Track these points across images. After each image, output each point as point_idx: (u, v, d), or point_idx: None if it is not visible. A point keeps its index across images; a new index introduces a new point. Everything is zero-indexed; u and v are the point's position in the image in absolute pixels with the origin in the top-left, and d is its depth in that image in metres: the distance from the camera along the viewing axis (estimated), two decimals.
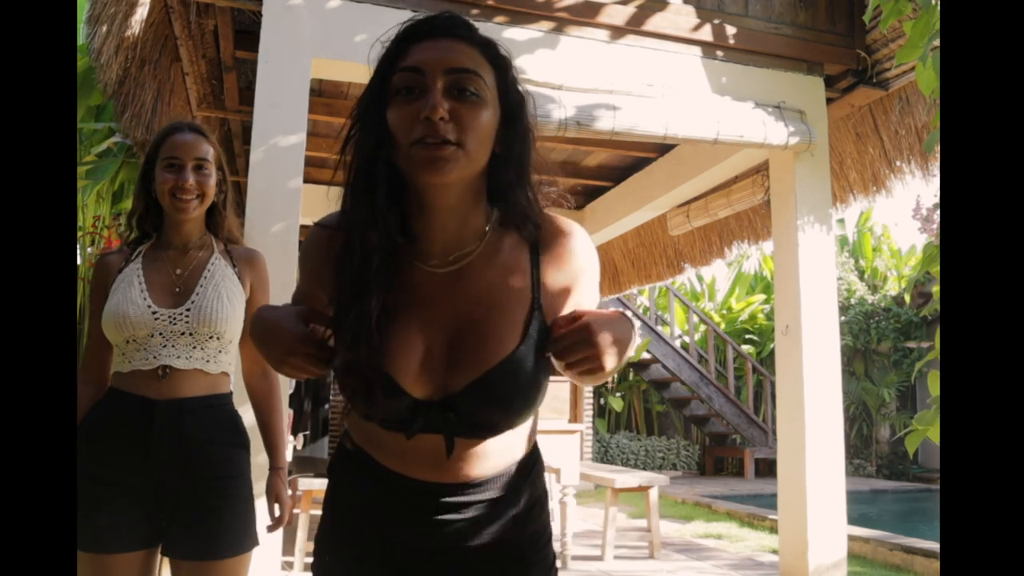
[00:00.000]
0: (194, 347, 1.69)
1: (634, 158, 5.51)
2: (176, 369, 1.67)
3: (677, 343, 11.47)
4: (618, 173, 5.82)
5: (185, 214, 1.75)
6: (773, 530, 5.95)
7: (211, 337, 1.71)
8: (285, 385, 3.25)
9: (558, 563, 1.16)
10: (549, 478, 4.69)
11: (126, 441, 1.63)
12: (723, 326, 12.51)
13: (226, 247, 1.85)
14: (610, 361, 0.93)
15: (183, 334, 1.69)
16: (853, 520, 4.67)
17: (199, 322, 1.69)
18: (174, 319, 1.69)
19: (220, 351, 1.74)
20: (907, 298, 8.71)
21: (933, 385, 1.70)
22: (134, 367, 1.67)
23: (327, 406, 8.78)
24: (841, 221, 12.69)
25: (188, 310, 1.70)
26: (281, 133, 3.20)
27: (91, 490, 1.61)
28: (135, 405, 1.65)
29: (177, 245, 1.78)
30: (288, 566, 4.18)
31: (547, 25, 3.62)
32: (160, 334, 1.67)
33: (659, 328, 11.42)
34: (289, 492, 1.85)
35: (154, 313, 1.68)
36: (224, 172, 1.85)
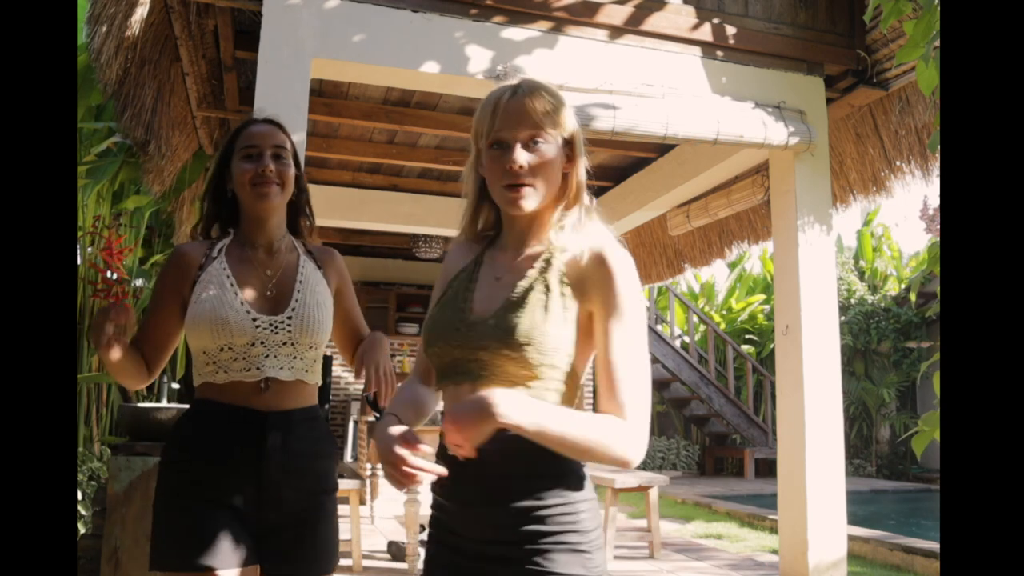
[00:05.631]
0: (295, 357, 1.59)
1: (634, 158, 5.51)
2: (279, 381, 1.57)
3: (677, 343, 11.47)
4: (618, 173, 5.82)
5: (266, 201, 1.63)
6: (773, 530, 5.95)
7: (311, 347, 1.62)
8: None
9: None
10: None
11: (239, 459, 1.54)
12: (723, 326, 12.51)
13: (307, 248, 1.76)
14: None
15: (285, 344, 1.58)
16: (853, 520, 4.67)
17: (302, 332, 1.60)
18: (276, 327, 1.58)
19: (315, 360, 1.65)
20: (912, 297, 8.75)
21: (938, 385, 1.70)
22: (231, 378, 1.56)
23: (327, 406, 8.78)
24: (866, 226, 12.47)
25: (290, 319, 1.60)
26: None
27: (199, 510, 1.52)
28: (243, 418, 1.55)
29: (262, 244, 1.68)
30: None
31: (546, 25, 3.62)
32: (262, 343, 1.56)
33: (659, 328, 11.42)
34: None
35: (254, 320, 1.57)
36: (302, 170, 1.77)
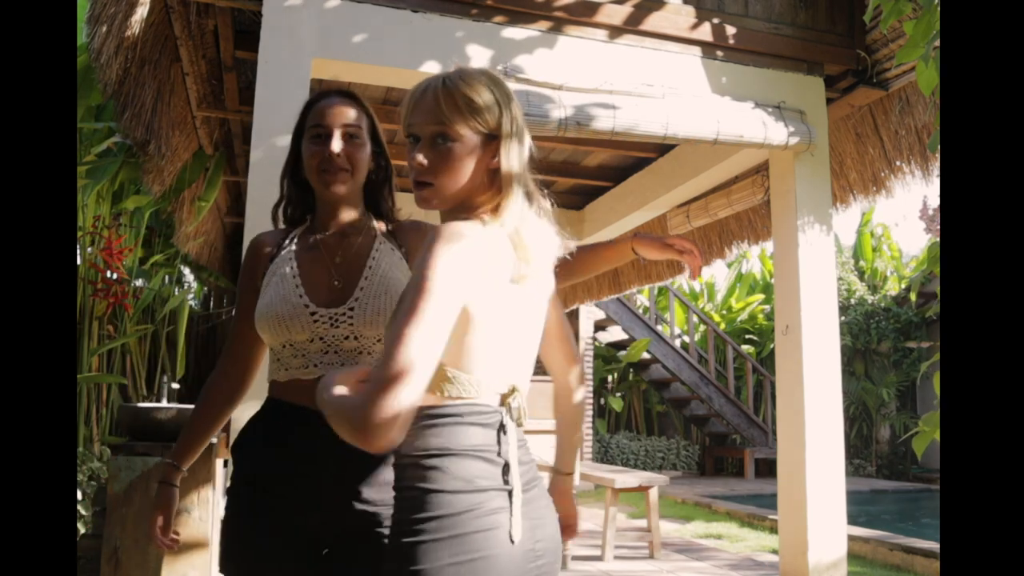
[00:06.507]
0: (359, 352, 1.44)
1: (634, 158, 5.51)
2: None
3: (677, 343, 11.47)
4: (618, 173, 5.82)
5: (334, 190, 1.49)
6: (773, 530, 5.95)
7: (379, 340, 1.44)
8: None
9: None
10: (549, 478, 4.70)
11: (290, 461, 1.40)
12: (723, 326, 12.52)
13: (389, 227, 1.58)
14: None
15: (347, 338, 1.43)
16: (853, 520, 4.67)
17: (364, 324, 1.43)
18: (335, 321, 1.43)
19: None
20: (912, 297, 8.77)
21: (938, 385, 1.70)
22: (291, 376, 1.44)
23: None
24: (864, 226, 12.44)
25: (351, 309, 1.43)
26: (281, 133, 3.20)
27: (249, 519, 1.41)
28: (295, 418, 1.41)
29: (334, 229, 1.53)
30: None
31: (545, 25, 3.62)
32: (321, 339, 1.42)
33: (659, 328, 11.42)
34: None
35: (312, 314, 1.43)
36: (383, 145, 1.60)
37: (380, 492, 1.39)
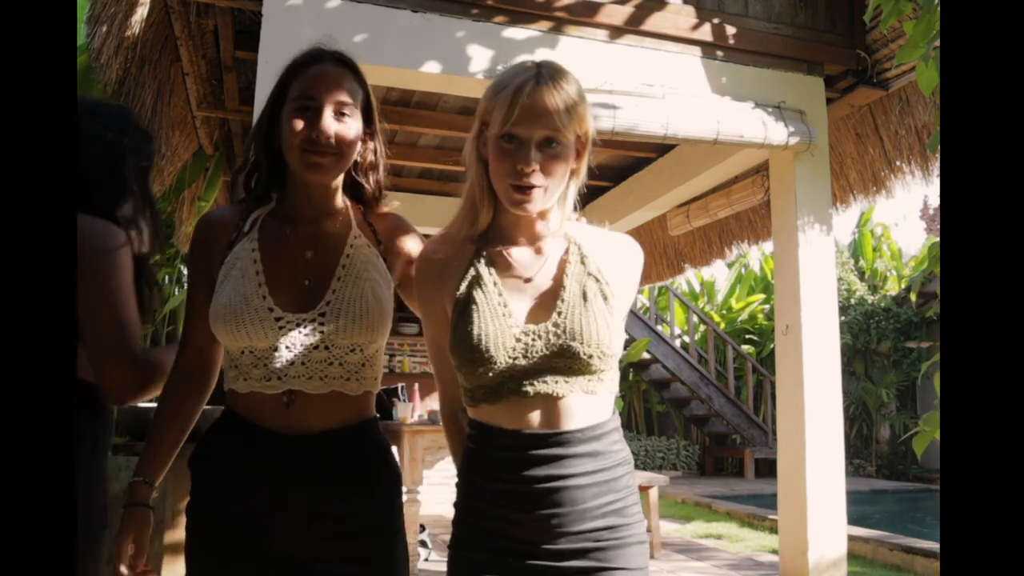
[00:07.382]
0: (330, 363, 1.25)
1: (634, 158, 5.51)
2: (306, 395, 1.24)
3: (677, 343, 11.47)
4: (618, 173, 5.82)
5: (316, 173, 1.27)
6: (773, 530, 5.95)
7: (353, 349, 1.27)
8: None
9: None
10: None
11: (251, 488, 1.24)
12: (723, 326, 12.51)
13: (365, 217, 1.38)
14: None
15: (316, 348, 1.24)
16: (853, 520, 4.67)
17: (338, 331, 1.24)
18: (304, 328, 1.24)
19: (364, 364, 1.29)
20: (912, 297, 8.79)
21: (939, 385, 1.70)
22: (251, 388, 1.25)
23: None
24: (864, 226, 12.42)
25: (323, 315, 1.25)
26: None
27: (215, 551, 1.25)
28: (256, 441, 1.24)
29: (307, 217, 1.32)
30: None
31: (546, 25, 3.62)
32: (286, 347, 1.23)
33: (659, 328, 11.42)
34: None
35: (278, 320, 1.24)
36: (376, 128, 1.38)
37: (356, 519, 1.27)
